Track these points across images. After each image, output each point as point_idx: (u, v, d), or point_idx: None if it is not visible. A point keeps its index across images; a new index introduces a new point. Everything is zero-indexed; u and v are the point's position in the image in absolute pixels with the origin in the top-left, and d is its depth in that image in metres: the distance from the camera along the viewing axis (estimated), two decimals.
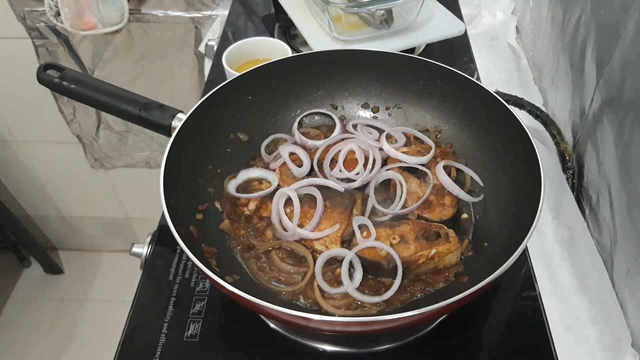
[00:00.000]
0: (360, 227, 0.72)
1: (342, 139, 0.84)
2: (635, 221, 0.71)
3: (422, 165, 0.79)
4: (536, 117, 1.02)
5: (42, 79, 0.83)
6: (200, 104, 0.79)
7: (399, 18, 1.08)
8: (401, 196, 0.75)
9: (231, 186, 0.81)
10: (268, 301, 0.55)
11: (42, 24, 1.59)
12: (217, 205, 0.79)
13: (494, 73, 1.24)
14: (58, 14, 1.49)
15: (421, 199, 0.74)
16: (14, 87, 1.76)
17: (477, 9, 1.38)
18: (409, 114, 0.91)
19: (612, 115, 0.80)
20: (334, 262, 0.71)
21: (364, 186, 0.79)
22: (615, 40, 0.79)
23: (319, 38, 1.07)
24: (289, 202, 0.75)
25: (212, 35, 1.48)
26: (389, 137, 0.85)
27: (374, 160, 0.80)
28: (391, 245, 0.69)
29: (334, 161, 0.82)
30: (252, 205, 0.78)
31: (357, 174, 0.79)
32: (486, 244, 0.73)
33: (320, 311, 0.67)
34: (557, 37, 1.06)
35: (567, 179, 0.93)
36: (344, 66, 0.90)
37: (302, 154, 0.83)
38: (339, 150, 0.82)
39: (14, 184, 2.21)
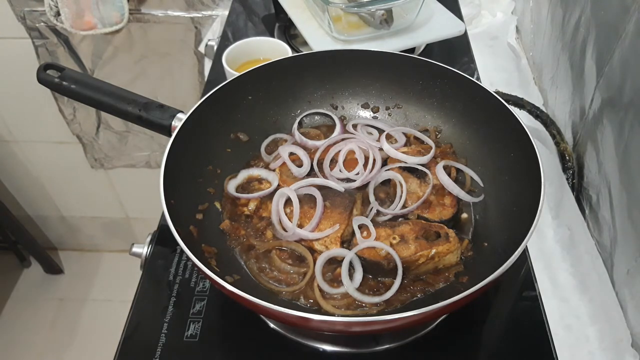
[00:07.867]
0: (360, 227, 0.72)
1: (342, 139, 0.84)
2: (635, 221, 0.71)
3: (422, 165, 0.79)
4: (536, 117, 1.02)
5: (42, 79, 0.83)
6: (200, 104, 0.79)
7: (399, 18, 1.08)
8: (401, 196, 0.75)
9: (231, 186, 0.81)
10: (268, 301, 0.55)
11: (42, 24, 1.59)
12: (217, 205, 0.79)
13: (494, 73, 1.24)
14: (58, 14, 1.49)
15: (421, 199, 0.74)
16: (14, 87, 1.76)
17: (477, 9, 1.38)
18: (409, 114, 0.91)
19: (612, 115, 0.80)
20: (334, 262, 0.71)
21: (364, 186, 0.79)
22: (615, 40, 0.79)
23: (319, 38, 1.07)
24: (288, 202, 0.75)
25: (212, 35, 1.48)
26: (389, 137, 0.85)
27: (374, 160, 0.80)
28: (391, 245, 0.69)
29: (334, 161, 0.82)
30: (252, 205, 0.78)
31: (357, 174, 0.79)
32: (486, 244, 0.73)
33: (320, 311, 0.67)
34: (557, 37, 1.06)
35: (567, 179, 0.93)
36: (344, 66, 0.90)
37: (302, 154, 0.83)
38: (339, 150, 0.82)
39: (14, 184, 2.21)
